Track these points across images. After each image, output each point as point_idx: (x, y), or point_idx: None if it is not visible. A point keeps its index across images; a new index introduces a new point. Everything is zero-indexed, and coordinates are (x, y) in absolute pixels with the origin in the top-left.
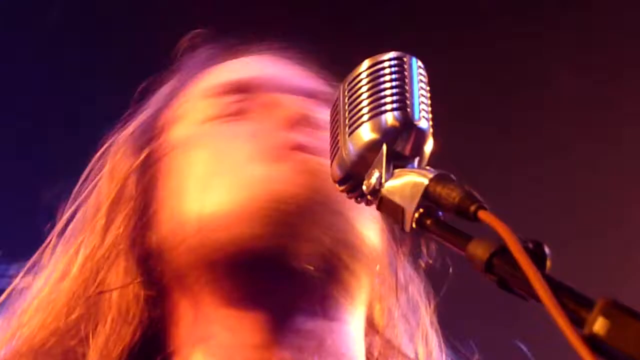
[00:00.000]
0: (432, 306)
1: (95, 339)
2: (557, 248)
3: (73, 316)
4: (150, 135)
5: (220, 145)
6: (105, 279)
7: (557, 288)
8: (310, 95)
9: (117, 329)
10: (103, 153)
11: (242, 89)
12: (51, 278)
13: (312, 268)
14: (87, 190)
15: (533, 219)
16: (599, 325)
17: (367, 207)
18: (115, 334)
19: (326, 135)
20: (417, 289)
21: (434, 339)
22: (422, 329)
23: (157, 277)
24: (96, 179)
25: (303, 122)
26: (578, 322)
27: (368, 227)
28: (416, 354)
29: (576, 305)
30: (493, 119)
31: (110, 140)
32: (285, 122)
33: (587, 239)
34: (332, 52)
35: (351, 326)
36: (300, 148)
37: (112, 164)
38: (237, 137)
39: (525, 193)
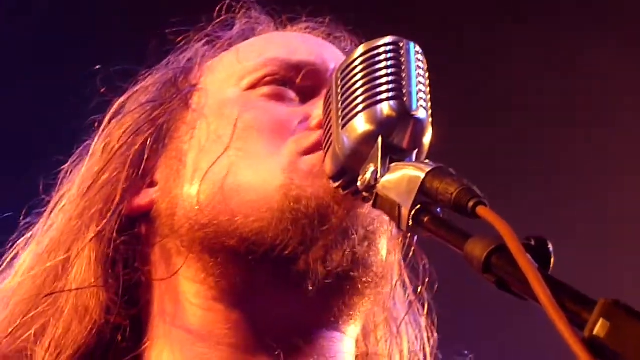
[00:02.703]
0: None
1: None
2: (570, 244)
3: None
4: (179, 77)
5: (263, 120)
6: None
7: (557, 288)
8: None
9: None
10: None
11: (289, 69)
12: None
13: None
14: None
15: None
16: (600, 328)
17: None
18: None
19: None
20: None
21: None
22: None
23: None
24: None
25: None
26: (579, 325)
27: (385, 243)
28: None
29: (577, 307)
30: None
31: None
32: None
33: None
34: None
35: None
36: None
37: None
38: (278, 121)
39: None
